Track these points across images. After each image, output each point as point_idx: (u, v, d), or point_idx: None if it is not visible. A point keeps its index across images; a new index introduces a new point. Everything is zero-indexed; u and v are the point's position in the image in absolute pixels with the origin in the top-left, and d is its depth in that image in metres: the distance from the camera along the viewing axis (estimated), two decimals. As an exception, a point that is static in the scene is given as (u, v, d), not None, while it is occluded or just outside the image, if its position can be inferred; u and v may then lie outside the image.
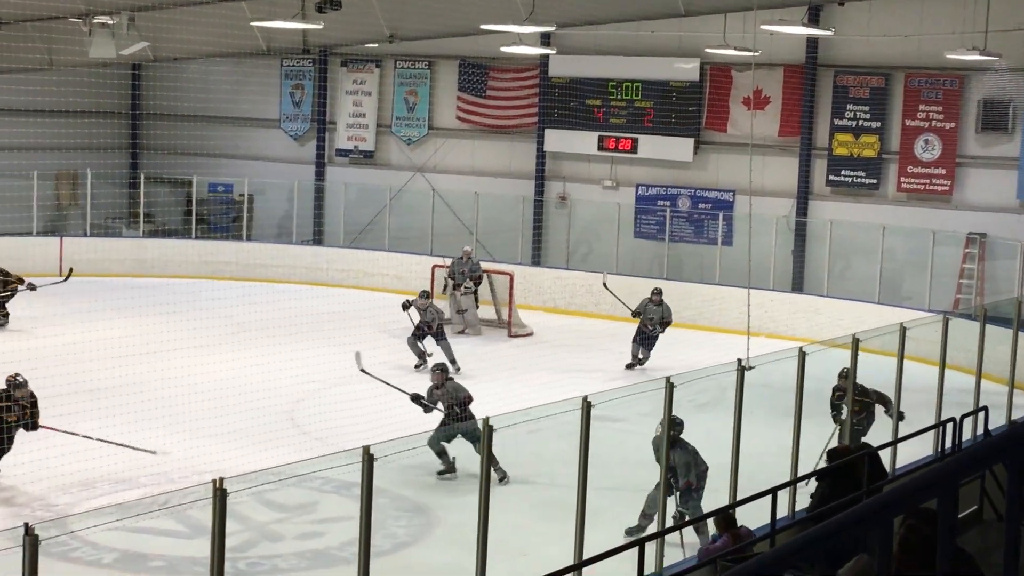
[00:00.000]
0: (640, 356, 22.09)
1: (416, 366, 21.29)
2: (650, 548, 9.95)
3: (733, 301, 24.02)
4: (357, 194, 31.99)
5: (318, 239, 31.83)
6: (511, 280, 25.83)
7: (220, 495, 7.90)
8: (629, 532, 12.56)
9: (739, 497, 11.22)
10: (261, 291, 27.10)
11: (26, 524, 6.95)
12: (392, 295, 26.23)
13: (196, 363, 18.84)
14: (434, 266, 26.45)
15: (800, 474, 11.99)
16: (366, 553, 8.69)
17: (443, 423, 15.48)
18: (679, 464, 12.49)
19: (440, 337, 21.72)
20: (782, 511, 11.06)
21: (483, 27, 21.90)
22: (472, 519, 9.63)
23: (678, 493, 12.55)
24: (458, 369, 20.85)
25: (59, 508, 13.41)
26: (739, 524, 10.46)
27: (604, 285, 24.67)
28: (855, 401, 14.30)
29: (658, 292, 22.44)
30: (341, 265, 30.01)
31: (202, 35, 24.87)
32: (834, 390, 15.40)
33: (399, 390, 16.37)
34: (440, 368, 16.59)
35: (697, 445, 12.81)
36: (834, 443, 14.02)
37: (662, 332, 22.14)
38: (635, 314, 22.34)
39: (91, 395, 17.09)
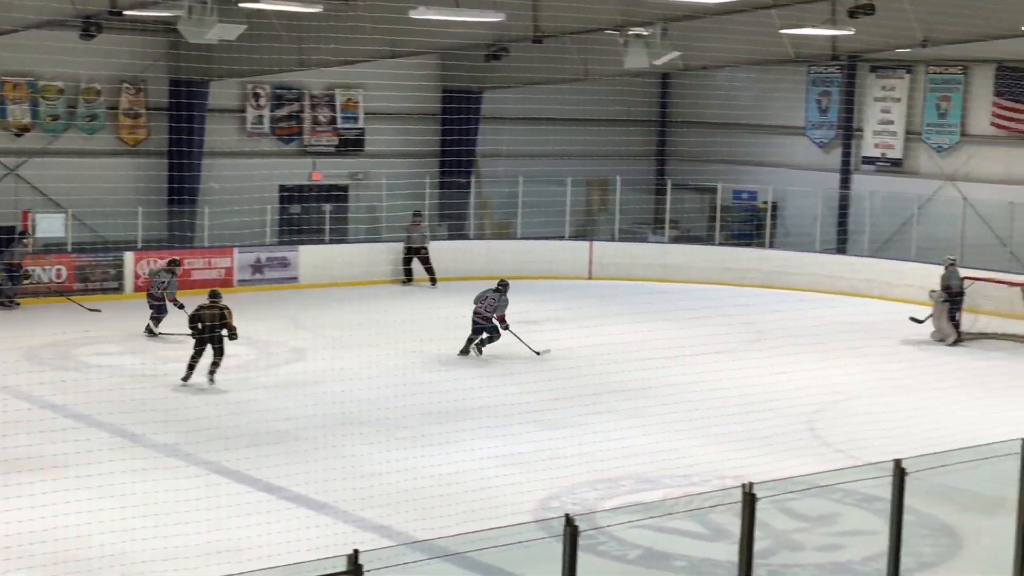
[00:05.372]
0: None
1: None
2: None
3: None
4: (883, 202, 31.21)
5: (841, 248, 31.33)
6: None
7: (749, 500, 7.95)
8: None
9: None
10: (782, 299, 27.05)
11: (567, 515, 7.28)
12: (916, 306, 25.40)
13: (717, 368, 19.09)
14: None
15: None
16: (895, 570, 8.47)
17: None
18: None
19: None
20: None
21: (1025, 28, 20.99)
22: (1006, 544, 9.18)
23: None
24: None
25: (588, 503, 13.95)
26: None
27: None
28: None
29: None
30: (866, 275, 29.34)
31: (731, 44, 25.25)
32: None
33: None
34: None
35: None
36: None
37: None
38: None
39: (617, 394, 17.82)
